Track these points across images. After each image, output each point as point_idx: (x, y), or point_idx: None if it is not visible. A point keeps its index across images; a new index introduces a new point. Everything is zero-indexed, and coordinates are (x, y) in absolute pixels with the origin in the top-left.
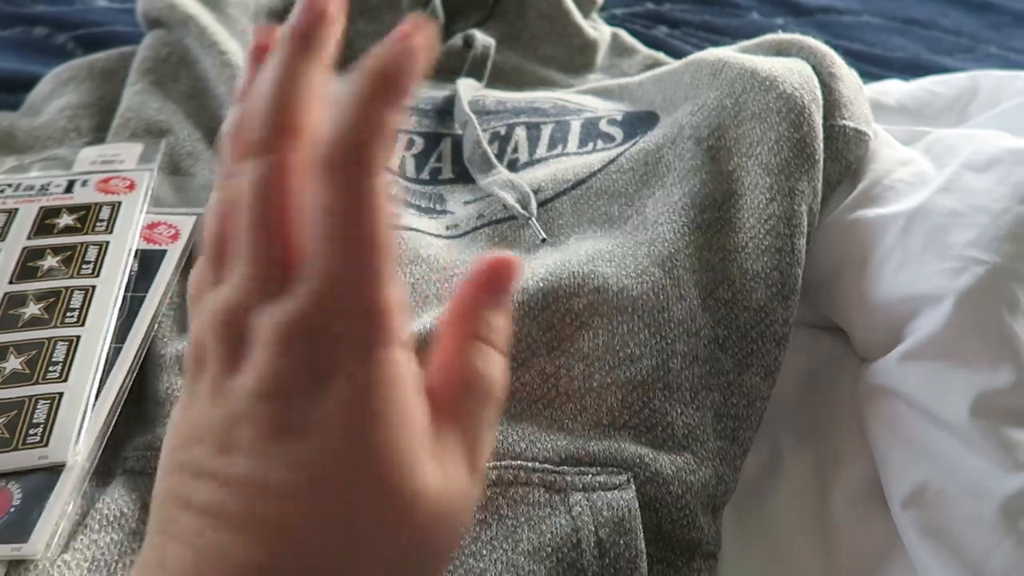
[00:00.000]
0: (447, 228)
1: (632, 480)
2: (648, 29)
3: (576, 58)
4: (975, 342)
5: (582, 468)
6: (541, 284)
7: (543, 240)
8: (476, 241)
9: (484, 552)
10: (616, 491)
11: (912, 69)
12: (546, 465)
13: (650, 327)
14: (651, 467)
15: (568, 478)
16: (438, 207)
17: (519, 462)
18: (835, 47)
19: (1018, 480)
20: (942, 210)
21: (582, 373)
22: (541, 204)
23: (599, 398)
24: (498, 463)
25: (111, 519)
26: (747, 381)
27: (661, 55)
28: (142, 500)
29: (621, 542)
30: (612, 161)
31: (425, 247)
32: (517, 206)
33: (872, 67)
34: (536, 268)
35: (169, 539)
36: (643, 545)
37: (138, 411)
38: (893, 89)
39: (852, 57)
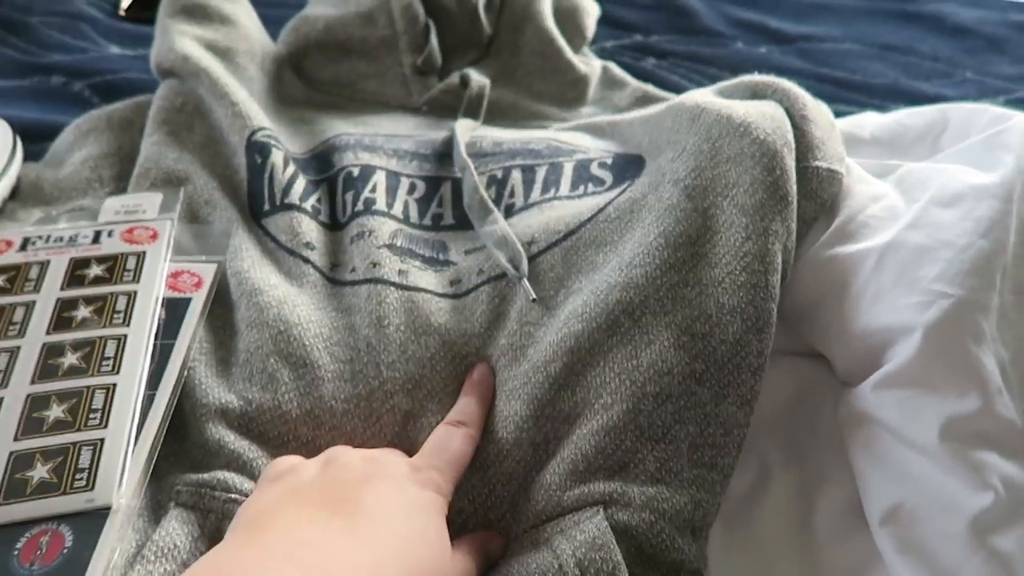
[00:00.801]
0: (451, 284)
1: (601, 510)
2: (637, 61)
3: (569, 92)
4: (943, 371)
5: (557, 519)
6: (525, 367)
7: (533, 300)
8: (478, 301)
9: None
10: (586, 521)
11: (891, 95)
12: (528, 527)
13: (620, 376)
14: (620, 500)
15: (548, 530)
16: (440, 256)
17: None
18: (817, 75)
19: (985, 498)
20: (911, 245)
21: (564, 431)
22: (533, 257)
23: (575, 449)
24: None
25: (165, 551)
26: (724, 411)
27: (650, 87)
28: (192, 534)
29: (597, 557)
30: (601, 210)
31: (435, 314)
32: (509, 267)
33: (853, 93)
34: (528, 350)
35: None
36: (619, 557)
37: (177, 449)
38: (867, 122)
39: (834, 84)
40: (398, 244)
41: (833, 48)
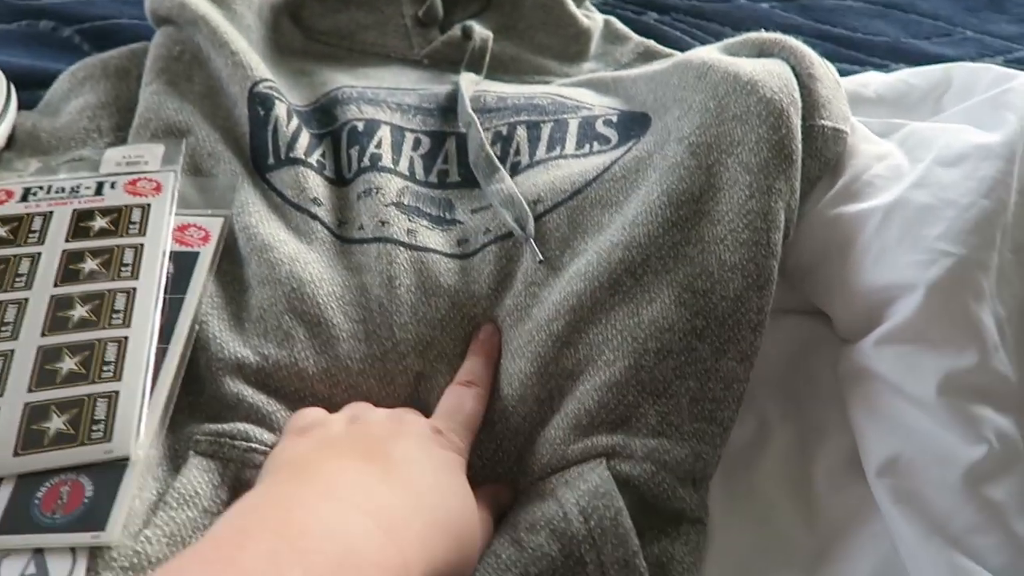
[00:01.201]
0: (458, 243)
1: (604, 461)
2: (638, 15)
3: (571, 47)
4: (943, 327)
5: (562, 471)
6: (529, 326)
7: (540, 261)
8: (485, 262)
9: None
10: (591, 472)
11: (891, 54)
12: (534, 479)
13: (621, 332)
14: (623, 452)
15: (553, 481)
16: (447, 215)
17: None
18: (818, 32)
19: (979, 450)
20: (915, 204)
21: (568, 387)
22: (539, 216)
23: (579, 404)
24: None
25: (187, 498)
26: (724, 366)
27: (652, 43)
28: (213, 482)
29: (600, 504)
30: (607, 169)
31: (444, 275)
32: (515, 226)
33: (853, 51)
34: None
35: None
36: (621, 504)
37: (193, 402)
38: (872, 81)
39: (834, 42)
40: (405, 202)
41: (835, 5)
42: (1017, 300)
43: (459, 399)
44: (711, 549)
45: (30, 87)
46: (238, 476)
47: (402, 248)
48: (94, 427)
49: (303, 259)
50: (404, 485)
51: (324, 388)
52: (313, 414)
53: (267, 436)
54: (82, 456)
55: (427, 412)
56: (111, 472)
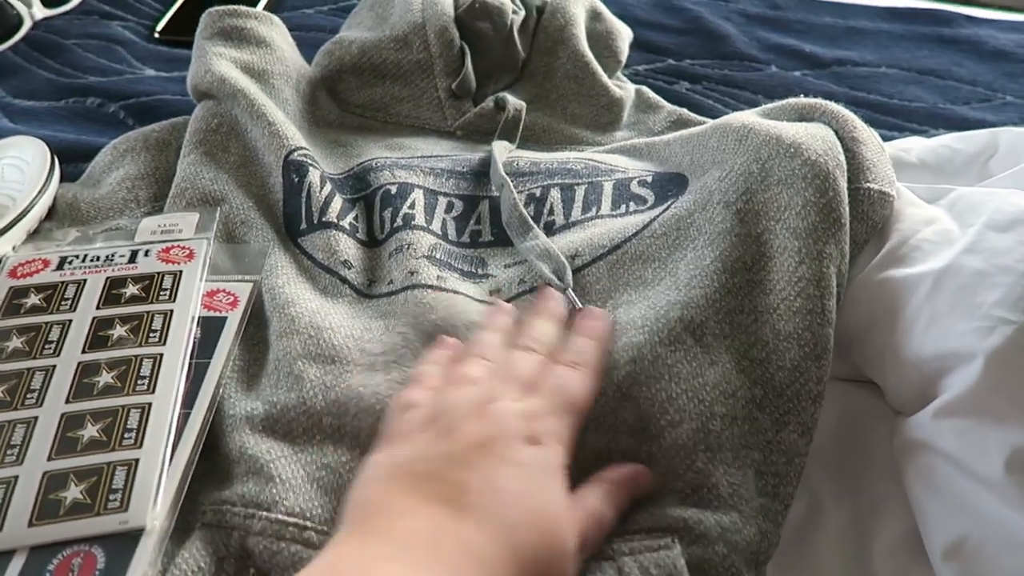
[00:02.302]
0: (491, 293)
1: (677, 540)
2: (670, 85)
3: (603, 116)
4: (1007, 399)
5: (627, 536)
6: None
7: (579, 309)
8: (520, 307)
9: None
10: (662, 551)
11: (930, 119)
12: None
13: (687, 392)
14: (696, 529)
15: (615, 546)
16: (480, 271)
17: None
18: (854, 99)
19: None
20: (968, 270)
21: (628, 446)
22: (578, 270)
23: (646, 464)
24: None
25: (189, 574)
26: (785, 439)
27: (685, 111)
28: (217, 555)
29: None
30: (646, 226)
31: (476, 313)
32: (554, 277)
33: (891, 118)
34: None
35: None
36: None
37: (207, 469)
38: (914, 146)
39: (870, 108)
40: (437, 256)
41: (869, 72)
42: None
43: (564, 378)
44: None
45: (74, 160)
46: (243, 545)
47: (430, 290)
48: (111, 496)
49: (325, 311)
50: (487, 519)
51: (331, 420)
52: (404, 400)
53: (265, 495)
54: (97, 527)
55: None
56: (125, 543)
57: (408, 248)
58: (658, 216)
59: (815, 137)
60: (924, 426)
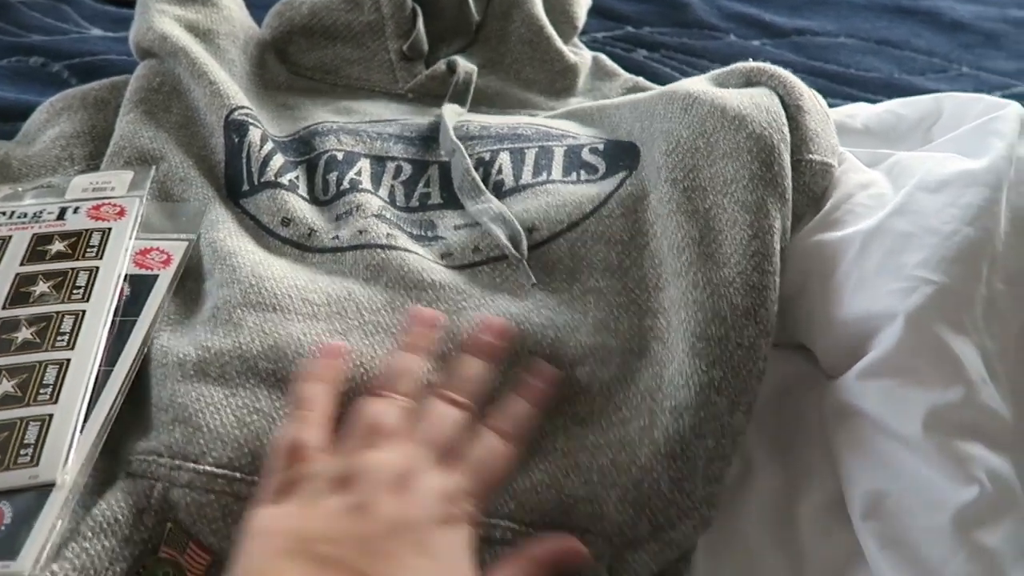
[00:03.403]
0: (441, 256)
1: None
2: (628, 52)
3: (558, 82)
4: (926, 359)
5: None
6: (548, 351)
7: (533, 284)
8: (476, 279)
9: None
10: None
11: (886, 90)
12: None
13: (641, 393)
14: (628, 535)
15: None
16: (429, 233)
17: (506, 523)
18: (811, 68)
19: (969, 492)
20: (895, 231)
21: (579, 435)
22: (537, 245)
23: (591, 458)
24: (489, 520)
25: (104, 526)
26: (736, 421)
27: (641, 79)
28: (137, 507)
29: None
30: (603, 204)
31: (428, 271)
32: (509, 245)
33: (847, 87)
34: (546, 329)
35: None
36: None
37: (136, 420)
38: (859, 112)
39: (827, 78)
40: (387, 216)
41: (828, 42)
42: (1010, 333)
43: (485, 453)
44: None
45: (12, 119)
46: (166, 497)
47: (380, 249)
48: (22, 451)
49: (268, 263)
50: None
51: (268, 365)
52: (299, 455)
53: (192, 447)
54: (5, 481)
55: (387, 388)
56: (34, 498)
57: (357, 210)
58: (613, 192)
59: (760, 108)
60: (850, 387)
